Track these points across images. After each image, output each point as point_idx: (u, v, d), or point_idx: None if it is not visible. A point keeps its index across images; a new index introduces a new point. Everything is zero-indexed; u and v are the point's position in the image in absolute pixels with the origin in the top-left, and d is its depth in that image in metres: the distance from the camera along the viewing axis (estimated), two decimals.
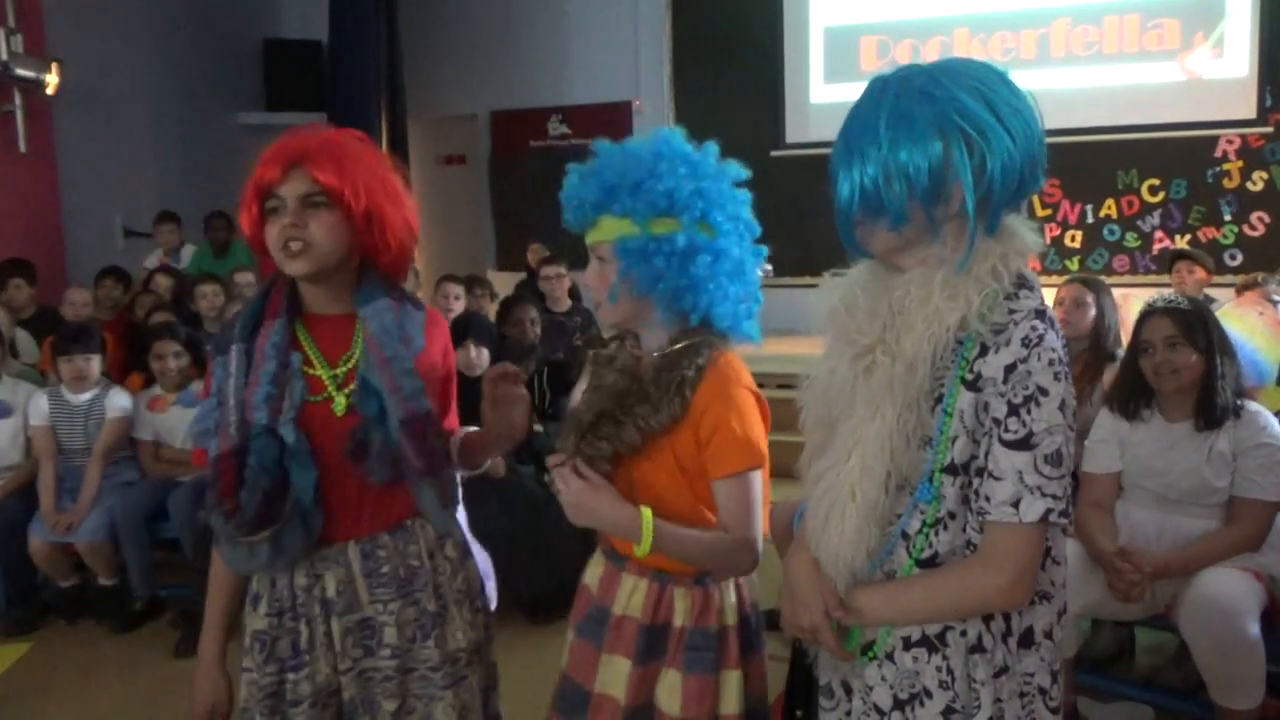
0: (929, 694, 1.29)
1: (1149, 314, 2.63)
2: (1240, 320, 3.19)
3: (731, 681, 1.58)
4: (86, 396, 3.81)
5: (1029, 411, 1.19)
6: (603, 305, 1.57)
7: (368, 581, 1.55)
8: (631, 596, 1.61)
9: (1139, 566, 2.43)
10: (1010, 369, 1.20)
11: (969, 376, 1.23)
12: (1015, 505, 1.20)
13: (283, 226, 1.48)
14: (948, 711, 1.28)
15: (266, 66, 8.51)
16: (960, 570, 1.26)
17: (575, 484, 1.49)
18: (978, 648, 1.28)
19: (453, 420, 1.74)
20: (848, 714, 1.40)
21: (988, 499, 1.22)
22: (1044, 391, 1.19)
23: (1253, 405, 2.56)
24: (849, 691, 1.40)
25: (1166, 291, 2.73)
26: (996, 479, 1.21)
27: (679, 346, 1.53)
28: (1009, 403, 1.20)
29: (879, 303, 1.28)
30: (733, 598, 1.60)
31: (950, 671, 1.28)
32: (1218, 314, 2.82)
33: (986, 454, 1.22)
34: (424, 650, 1.58)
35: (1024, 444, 1.19)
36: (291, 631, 1.55)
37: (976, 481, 1.23)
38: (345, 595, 1.55)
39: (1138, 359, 2.61)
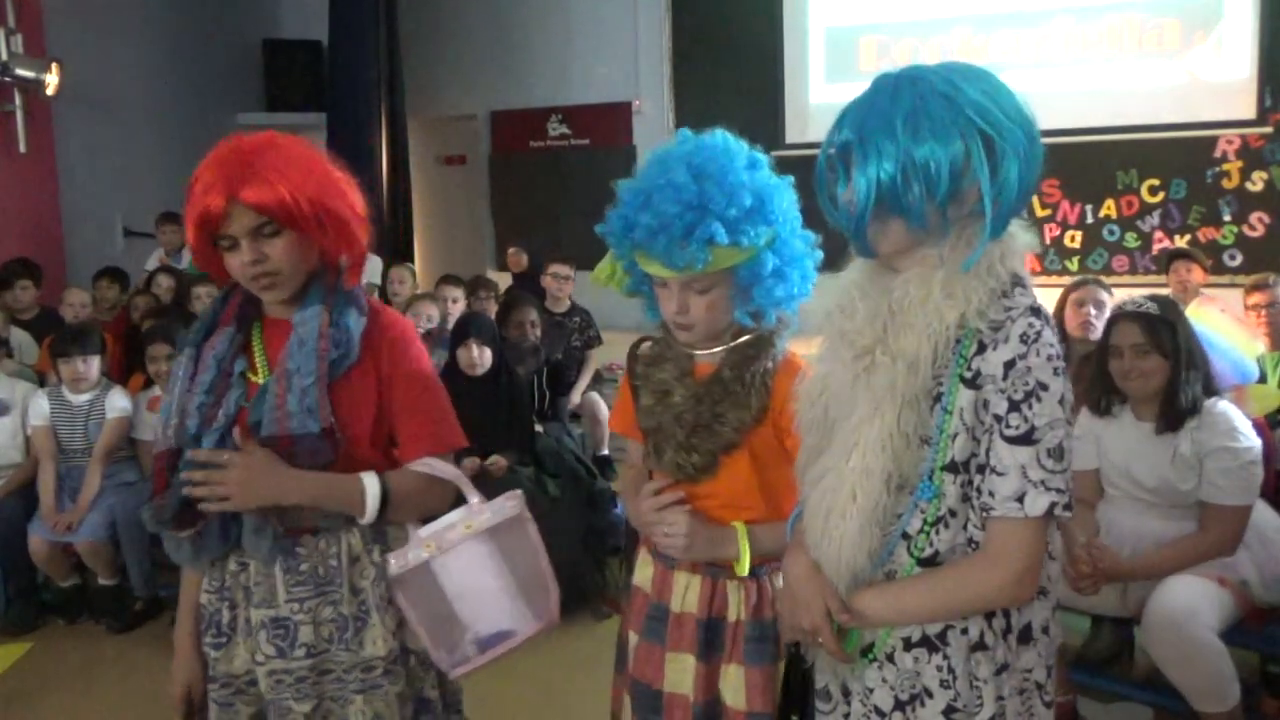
0: (930, 694, 1.29)
1: (1118, 318, 2.62)
2: (1207, 317, 3.18)
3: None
4: (86, 397, 3.81)
5: (1030, 407, 1.19)
6: (697, 326, 1.52)
7: (285, 578, 1.54)
8: (687, 593, 1.62)
9: (1095, 563, 2.43)
10: (1010, 365, 1.20)
11: (967, 374, 1.23)
12: (1020, 500, 1.20)
13: (243, 264, 1.46)
14: (949, 711, 1.28)
15: (266, 67, 8.51)
16: (964, 568, 1.26)
17: (680, 524, 1.53)
18: (979, 645, 1.28)
19: (419, 426, 1.59)
20: (846, 717, 1.40)
21: (991, 495, 1.21)
22: (1044, 386, 1.19)
23: (1220, 405, 2.50)
24: (847, 694, 1.40)
25: (1139, 294, 2.71)
26: (999, 475, 1.21)
27: (745, 340, 1.54)
28: (1009, 399, 1.20)
29: (878, 303, 1.28)
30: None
31: (951, 670, 1.28)
32: (1187, 313, 2.79)
33: (988, 451, 1.22)
34: (341, 653, 1.56)
35: (1026, 439, 1.19)
36: (218, 611, 1.59)
37: (978, 479, 1.23)
38: (262, 587, 1.55)
39: (1108, 359, 2.61)
